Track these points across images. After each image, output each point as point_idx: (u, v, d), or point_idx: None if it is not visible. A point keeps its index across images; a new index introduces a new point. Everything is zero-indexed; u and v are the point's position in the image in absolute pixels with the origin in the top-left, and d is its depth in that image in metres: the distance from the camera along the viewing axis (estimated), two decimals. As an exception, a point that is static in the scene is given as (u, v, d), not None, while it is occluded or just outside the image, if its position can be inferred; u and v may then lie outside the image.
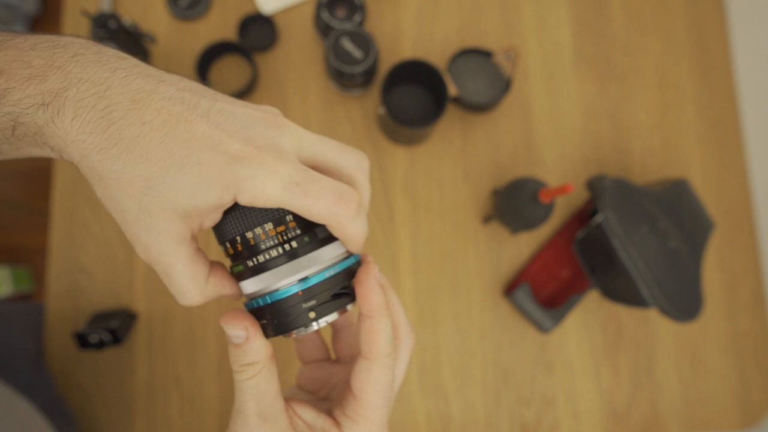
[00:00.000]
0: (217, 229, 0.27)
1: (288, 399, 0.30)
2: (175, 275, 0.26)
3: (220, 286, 0.28)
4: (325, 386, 0.35)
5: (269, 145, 0.25)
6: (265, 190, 0.24)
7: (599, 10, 0.74)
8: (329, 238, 0.28)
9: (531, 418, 0.65)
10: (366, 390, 0.28)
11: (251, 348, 0.27)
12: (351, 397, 0.29)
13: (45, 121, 0.23)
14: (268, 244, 0.26)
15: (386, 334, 0.28)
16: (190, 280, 0.26)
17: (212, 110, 0.25)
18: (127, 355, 0.64)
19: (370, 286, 0.27)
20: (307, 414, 0.29)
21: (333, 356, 0.42)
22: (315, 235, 0.27)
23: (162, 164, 0.23)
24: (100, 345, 0.57)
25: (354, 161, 0.28)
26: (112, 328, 0.58)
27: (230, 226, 0.26)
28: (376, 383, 0.28)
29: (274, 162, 0.24)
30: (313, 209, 0.25)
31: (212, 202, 0.24)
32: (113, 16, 0.59)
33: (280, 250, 0.26)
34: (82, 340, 0.57)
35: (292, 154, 0.26)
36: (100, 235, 0.66)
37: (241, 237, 0.26)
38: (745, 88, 0.74)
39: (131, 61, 0.25)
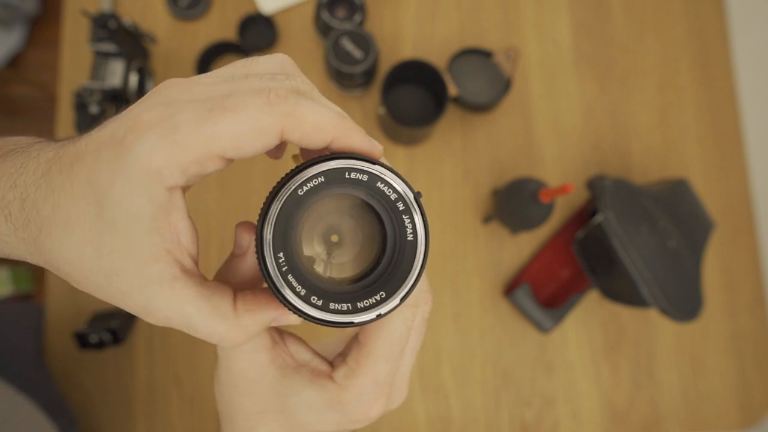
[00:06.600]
0: None
1: (286, 333, 0.27)
2: (192, 321, 0.22)
3: (257, 309, 0.23)
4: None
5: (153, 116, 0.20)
6: (157, 155, 0.19)
7: (599, 10, 0.74)
8: None
9: (531, 418, 0.65)
10: (372, 336, 0.25)
11: None
12: (355, 343, 0.26)
13: None
14: None
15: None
16: (211, 318, 0.22)
17: (89, 140, 0.21)
18: (127, 355, 0.64)
19: None
20: (302, 353, 0.27)
21: None
22: None
23: (90, 220, 0.20)
24: (100, 345, 0.57)
25: (265, 67, 0.23)
26: (112, 328, 0.58)
27: None
28: (386, 331, 0.25)
29: (163, 122, 0.20)
30: (240, 124, 0.20)
31: (148, 210, 0.20)
32: (113, 16, 0.59)
33: None
34: (82, 340, 0.57)
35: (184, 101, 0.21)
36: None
37: None
38: (745, 88, 0.74)
39: (57, 141, 0.23)
